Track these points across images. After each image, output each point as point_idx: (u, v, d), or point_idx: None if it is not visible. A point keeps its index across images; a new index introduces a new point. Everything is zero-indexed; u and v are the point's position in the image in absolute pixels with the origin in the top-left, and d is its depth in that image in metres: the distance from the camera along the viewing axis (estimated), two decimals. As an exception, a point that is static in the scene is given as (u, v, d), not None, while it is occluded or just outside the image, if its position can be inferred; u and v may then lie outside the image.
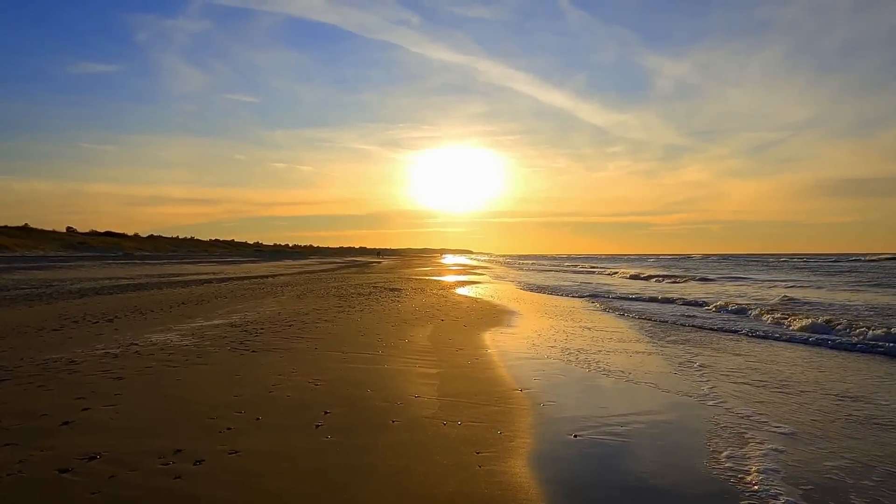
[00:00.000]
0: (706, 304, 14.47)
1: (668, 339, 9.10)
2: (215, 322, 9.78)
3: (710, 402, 5.21)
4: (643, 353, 7.77)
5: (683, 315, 12.38)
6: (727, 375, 6.35)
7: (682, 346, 8.39)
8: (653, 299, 16.44)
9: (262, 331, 8.79)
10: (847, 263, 51.27)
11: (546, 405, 5.05)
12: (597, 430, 4.34)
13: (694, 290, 20.52)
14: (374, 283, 22.79)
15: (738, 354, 7.72)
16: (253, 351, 7.07)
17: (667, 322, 11.29)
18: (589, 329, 10.10)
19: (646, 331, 10.02)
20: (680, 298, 16.15)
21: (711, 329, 10.21)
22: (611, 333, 9.60)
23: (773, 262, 62.88)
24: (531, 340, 8.72)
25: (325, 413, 4.49)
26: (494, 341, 8.55)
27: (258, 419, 4.29)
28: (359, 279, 25.83)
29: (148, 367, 6.03)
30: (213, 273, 30.07)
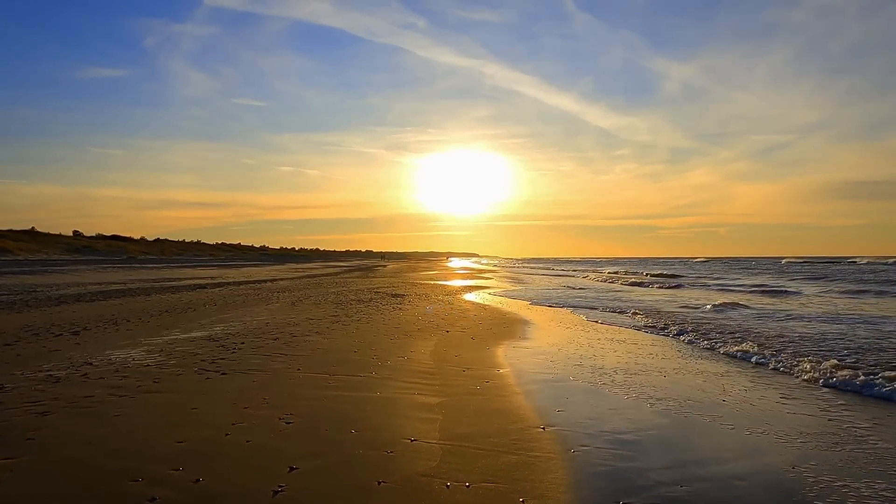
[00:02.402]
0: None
1: (705, 355, 7.94)
2: (193, 334, 8.73)
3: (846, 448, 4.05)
4: (686, 373, 6.62)
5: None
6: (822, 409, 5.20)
7: (723, 363, 7.24)
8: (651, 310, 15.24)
9: (241, 346, 7.71)
10: (850, 267, 49.01)
11: (578, 451, 3.94)
12: (654, 496, 3.21)
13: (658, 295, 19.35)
14: (377, 288, 21.72)
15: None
16: (223, 373, 5.99)
17: (704, 333, 10.09)
18: (620, 342, 8.94)
19: (678, 345, 8.86)
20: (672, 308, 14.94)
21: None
22: (641, 348, 8.44)
23: (768, 265, 61.18)
24: (550, 356, 7.59)
25: (291, 470, 3.39)
26: (507, 358, 7.43)
27: (198, 481, 3.19)
28: (360, 284, 24.78)
29: (88, 396, 4.96)
30: (211, 277, 29.12)
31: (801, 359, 7.10)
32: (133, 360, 6.66)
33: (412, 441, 4.00)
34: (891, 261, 53.92)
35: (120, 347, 7.49)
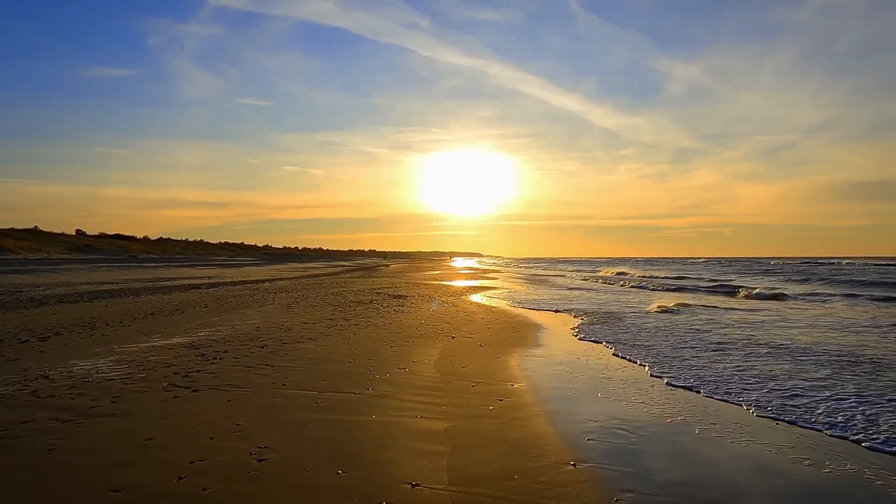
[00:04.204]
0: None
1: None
2: (173, 341, 7.92)
3: None
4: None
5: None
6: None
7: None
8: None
9: (223, 354, 6.90)
10: (852, 267, 47.23)
11: (623, 500, 3.10)
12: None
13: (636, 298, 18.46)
14: (378, 288, 20.91)
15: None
16: (194, 390, 5.17)
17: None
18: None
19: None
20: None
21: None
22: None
23: (769, 266, 59.67)
24: (569, 367, 6.75)
25: (252, 535, 2.57)
26: (521, 369, 6.59)
27: (124, 556, 2.38)
28: (361, 284, 23.99)
29: (27, 421, 4.16)
30: (208, 277, 28.37)
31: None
32: (97, 372, 5.86)
33: (413, 486, 3.18)
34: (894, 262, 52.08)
35: (88, 357, 6.69)
